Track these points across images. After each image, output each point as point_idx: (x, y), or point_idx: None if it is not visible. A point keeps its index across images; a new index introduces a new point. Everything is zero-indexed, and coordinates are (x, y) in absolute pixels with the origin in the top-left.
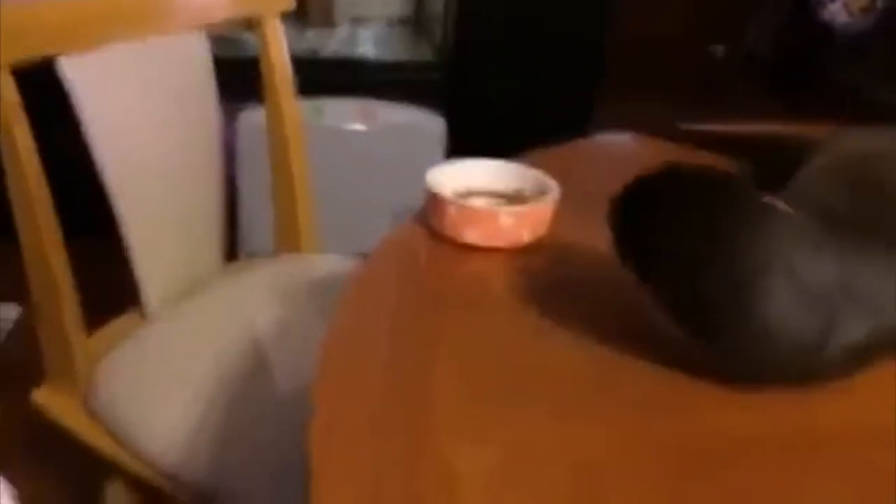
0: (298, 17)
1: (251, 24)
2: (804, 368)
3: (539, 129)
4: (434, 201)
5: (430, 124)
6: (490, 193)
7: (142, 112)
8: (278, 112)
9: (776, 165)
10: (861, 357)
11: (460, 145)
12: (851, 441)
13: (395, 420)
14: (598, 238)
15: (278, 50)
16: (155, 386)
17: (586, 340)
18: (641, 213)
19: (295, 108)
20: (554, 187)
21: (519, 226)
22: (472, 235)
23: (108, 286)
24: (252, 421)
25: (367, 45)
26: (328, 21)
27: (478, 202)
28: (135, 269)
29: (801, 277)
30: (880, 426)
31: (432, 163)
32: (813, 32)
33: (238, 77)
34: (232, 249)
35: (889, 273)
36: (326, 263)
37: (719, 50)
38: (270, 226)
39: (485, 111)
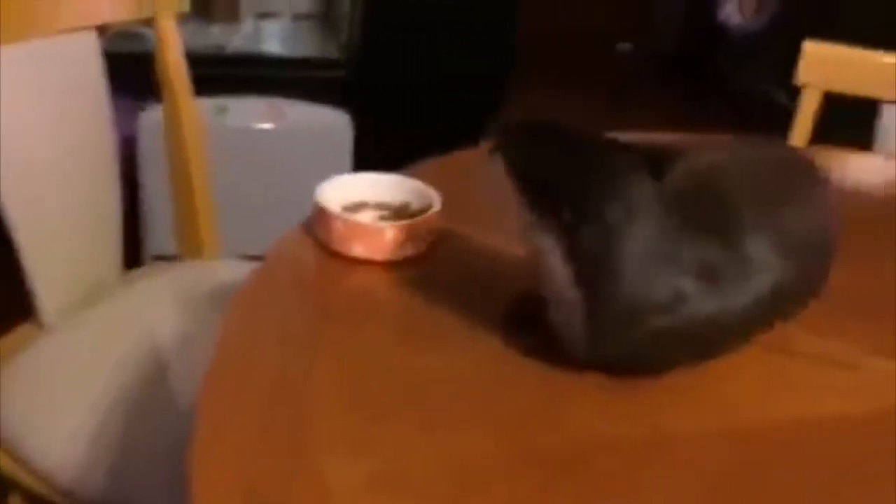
0: (202, 12)
1: (148, 20)
2: (660, 335)
3: (447, 128)
4: (322, 216)
5: (337, 123)
6: (378, 206)
7: (30, 113)
8: (176, 113)
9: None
10: (711, 334)
11: (367, 144)
12: (700, 440)
13: (274, 435)
14: (481, 249)
15: (173, 48)
16: (52, 399)
17: (465, 349)
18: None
19: (193, 109)
20: (437, 199)
21: (404, 239)
22: (358, 249)
23: (2, 296)
24: (152, 432)
25: (273, 41)
26: (233, 15)
27: (365, 216)
28: (28, 277)
29: (662, 252)
30: (727, 427)
31: (339, 161)
32: (711, 32)
33: (141, 73)
34: (138, 252)
35: (726, 270)
36: (228, 270)
37: (626, 47)
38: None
39: (392, 109)
